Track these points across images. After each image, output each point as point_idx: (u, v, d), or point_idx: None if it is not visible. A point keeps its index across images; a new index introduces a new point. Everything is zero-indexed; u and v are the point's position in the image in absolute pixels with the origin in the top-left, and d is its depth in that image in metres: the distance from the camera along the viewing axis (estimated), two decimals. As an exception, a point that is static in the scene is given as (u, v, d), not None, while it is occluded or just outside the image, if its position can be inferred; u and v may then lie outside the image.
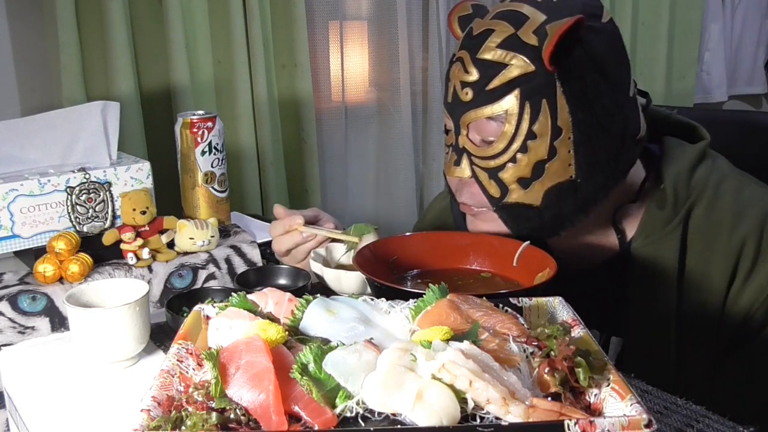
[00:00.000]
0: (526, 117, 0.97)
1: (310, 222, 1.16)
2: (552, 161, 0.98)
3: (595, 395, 0.62)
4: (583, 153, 0.98)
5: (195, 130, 1.28)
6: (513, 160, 0.99)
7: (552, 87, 0.96)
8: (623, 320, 1.05)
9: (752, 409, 0.94)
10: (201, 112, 1.32)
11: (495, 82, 0.97)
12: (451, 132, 1.05)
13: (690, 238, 1.03)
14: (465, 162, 1.03)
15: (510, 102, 0.97)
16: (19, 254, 1.18)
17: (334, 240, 1.15)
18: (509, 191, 1.00)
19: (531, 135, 0.97)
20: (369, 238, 1.10)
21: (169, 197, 1.44)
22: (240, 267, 1.19)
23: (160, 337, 0.99)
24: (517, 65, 0.96)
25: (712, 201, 1.03)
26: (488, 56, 0.98)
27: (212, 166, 1.30)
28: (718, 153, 1.12)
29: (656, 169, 1.07)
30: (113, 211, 1.20)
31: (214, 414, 0.59)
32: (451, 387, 0.59)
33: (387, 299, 0.78)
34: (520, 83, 0.97)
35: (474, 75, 0.99)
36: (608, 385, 0.62)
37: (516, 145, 0.98)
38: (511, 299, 0.79)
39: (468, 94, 1.00)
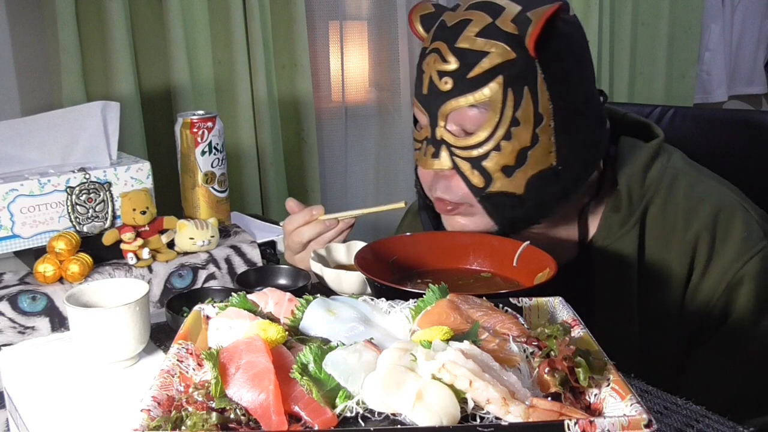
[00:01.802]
0: (510, 104, 0.98)
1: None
2: (534, 148, 0.99)
3: (595, 395, 0.62)
4: (564, 140, 0.99)
5: (195, 130, 1.28)
6: (497, 148, 0.99)
7: (533, 74, 0.97)
8: (589, 318, 1.06)
9: (715, 405, 0.94)
10: (201, 112, 1.32)
11: (476, 70, 0.98)
12: (426, 125, 1.04)
13: (647, 235, 1.05)
14: (444, 153, 1.02)
15: (493, 89, 0.98)
16: (19, 254, 1.18)
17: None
18: (493, 180, 1.00)
19: (515, 122, 0.98)
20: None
21: (169, 197, 1.44)
22: (240, 267, 1.19)
23: (160, 337, 0.99)
24: (498, 53, 0.97)
25: (666, 199, 1.05)
26: (467, 45, 0.98)
27: (212, 166, 1.30)
28: (674, 147, 1.13)
29: (612, 171, 1.09)
30: (113, 211, 1.20)
31: (214, 414, 0.59)
32: (451, 387, 0.59)
33: (387, 299, 0.78)
34: (502, 70, 0.97)
35: (453, 64, 0.99)
36: (608, 385, 0.62)
37: (500, 133, 0.98)
38: (511, 299, 0.79)
39: (447, 84, 1.00)
